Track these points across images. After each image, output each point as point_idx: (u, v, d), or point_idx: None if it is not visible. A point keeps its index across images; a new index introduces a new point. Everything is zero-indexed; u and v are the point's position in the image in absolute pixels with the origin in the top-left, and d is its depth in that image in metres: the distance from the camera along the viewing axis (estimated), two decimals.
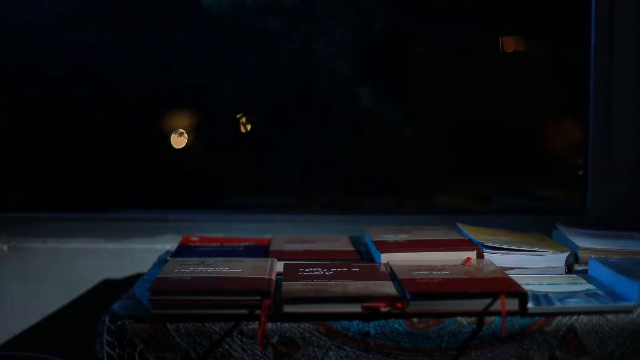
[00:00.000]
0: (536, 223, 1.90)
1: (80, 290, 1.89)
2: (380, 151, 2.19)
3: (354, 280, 1.43)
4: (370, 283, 1.41)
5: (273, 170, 2.18)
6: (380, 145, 2.18)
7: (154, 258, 1.77)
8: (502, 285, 1.39)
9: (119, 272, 1.89)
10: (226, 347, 1.35)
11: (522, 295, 1.36)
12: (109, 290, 1.87)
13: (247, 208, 2.10)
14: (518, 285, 1.39)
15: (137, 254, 1.86)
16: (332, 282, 1.41)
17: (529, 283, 1.49)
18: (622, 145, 1.98)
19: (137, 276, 1.76)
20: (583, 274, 1.58)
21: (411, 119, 2.17)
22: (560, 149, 2.15)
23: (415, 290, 1.36)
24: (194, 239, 1.79)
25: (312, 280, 1.43)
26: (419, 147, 2.19)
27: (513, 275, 1.54)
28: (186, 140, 2.10)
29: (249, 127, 2.11)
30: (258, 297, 1.34)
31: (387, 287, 1.39)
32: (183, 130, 2.09)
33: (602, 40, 1.97)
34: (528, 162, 2.14)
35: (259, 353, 1.35)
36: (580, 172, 2.05)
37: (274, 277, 1.45)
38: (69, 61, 2.07)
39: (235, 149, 2.15)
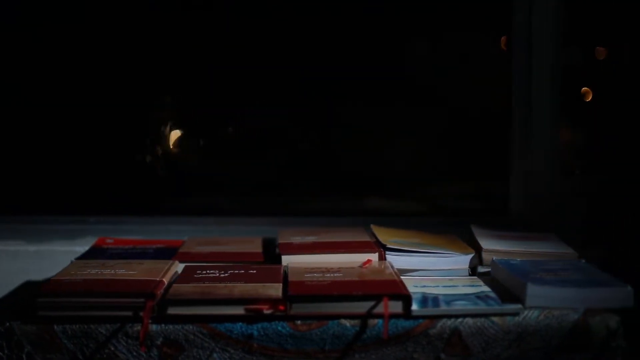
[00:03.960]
0: (461, 224, 1.90)
1: (2, 292, 1.90)
2: (319, 153, 2.20)
3: (244, 283, 1.43)
4: (258, 285, 1.41)
5: (208, 173, 2.20)
6: (320, 146, 2.20)
7: None
8: (387, 288, 1.38)
9: (40, 273, 1.88)
10: (112, 348, 1.36)
11: (405, 298, 1.36)
12: (30, 292, 1.88)
13: (173, 210, 2.10)
14: (403, 288, 1.39)
15: (59, 256, 1.84)
16: (222, 285, 1.42)
17: (425, 285, 1.49)
18: (542, 148, 1.97)
19: None
20: (487, 275, 1.59)
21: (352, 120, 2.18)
22: (487, 151, 2.15)
23: (297, 293, 1.36)
24: (109, 241, 1.80)
25: (204, 282, 1.43)
26: (362, 148, 2.20)
27: (414, 277, 1.56)
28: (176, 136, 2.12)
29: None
30: (142, 299, 1.35)
31: (274, 290, 1.39)
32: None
33: (520, 43, 1.99)
34: (458, 164, 2.15)
35: (144, 354, 1.36)
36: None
37: (165, 279, 1.45)
38: None
39: (169, 151, 2.16)
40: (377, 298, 1.35)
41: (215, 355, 1.35)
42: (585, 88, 2.05)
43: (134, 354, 1.36)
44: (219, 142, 2.18)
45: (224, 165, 2.19)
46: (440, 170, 2.15)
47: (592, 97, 2.05)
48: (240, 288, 1.39)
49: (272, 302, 1.35)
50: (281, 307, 1.34)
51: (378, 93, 2.14)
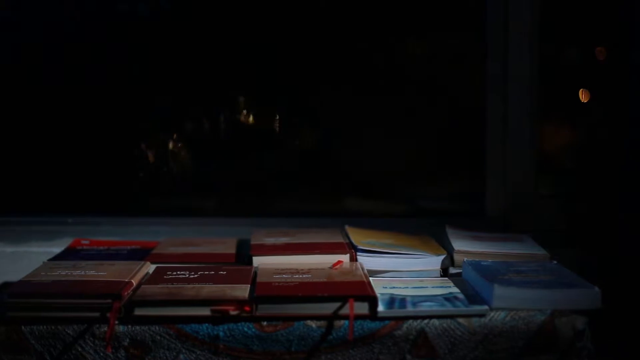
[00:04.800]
0: (440, 225, 1.90)
1: None
2: (302, 154, 2.20)
3: (212, 284, 1.43)
4: (226, 286, 1.41)
5: (191, 173, 2.20)
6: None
7: None
8: (353, 289, 1.39)
9: (17, 274, 1.87)
10: (79, 349, 1.36)
11: (371, 299, 1.36)
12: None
13: (154, 211, 2.10)
14: (369, 289, 1.39)
15: (36, 257, 1.83)
16: (190, 286, 1.42)
17: (394, 286, 1.49)
18: (518, 149, 1.98)
19: None
20: (458, 276, 1.59)
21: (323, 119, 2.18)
22: (468, 151, 2.15)
23: (263, 294, 1.37)
24: (84, 242, 1.80)
25: (172, 284, 1.44)
26: (345, 149, 2.20)
27: (385, 278, 1.56)
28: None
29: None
30: (109, 300, 1.36)
31: (240, 291, 1.39)
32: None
33: (496, 46, 1.99)
34: (439, 164, 2.15)
35: (111, 355, 1.36)
36: None
37: (134, 281, 1.46)
38: None
39: (146, 152, 2.16)
40: (343, 299, 1.35)
41: (181, 356, 1.35)
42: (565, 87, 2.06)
43: (101, 354, 1.36)
44: (203, 143, 2.18)
45: (207, 166, 2.19)
46: (421, 170, 2.14)
47: (574, 96, 2.06)
48: (208, 289, 1.40)
49: (238, 303, 1.35)
50: (247, 308, 1.35)
51: (356, 93, 2.14)
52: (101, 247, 1.76)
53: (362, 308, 1.35)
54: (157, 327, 1.35)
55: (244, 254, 1.68)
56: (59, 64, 2.10)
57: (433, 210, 2.10)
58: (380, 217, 2.10)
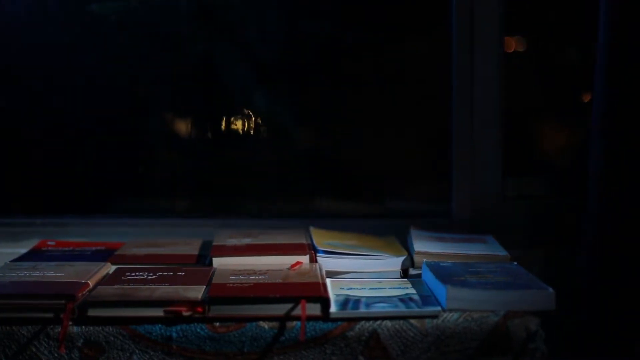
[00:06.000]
0: (407, 226, 1.90)
1: None
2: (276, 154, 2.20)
3: (168, 285, 1.44)
4: (180, 287, 1.42)
5: (165, 173, 2.20)
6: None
7: None
8: (306, 290, 1.39)
9: None
10: (34, 349, 1.37)
11: (323, 300, 1.36)
12: None
13: (120, 212, 2.10)
14: (322, 290, 1.39)
15: (4, 258, 1.84)
16: (145, 287, 1.43)
17: (351, 287, 1.49)
18: (485, 151, 1.98)
19: None
20: (418, 278, 1.59)
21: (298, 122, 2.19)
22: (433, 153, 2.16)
23: (216, 295, 1.37)
24: (50, 243, 1.81)
25: (129, 285, 1.44)
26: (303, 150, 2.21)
27: (344, 279, 1.57)
28: None
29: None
30: (63, 301, 1.36)
31: (194, 292, 1.40)
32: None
33: (462, 47, 1.98)
34: (411, 164, 2.15)
35: (65, 356, 1.37)
36: None
37: (91, 282, 1.46)
38: None
39: (117, 153, 2.16)
40: (295, 300, 1.35)
41: (135, 357, 1.36)
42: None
43: (56, 355, 1.36)
44: (173, 143, 2.18)
45: (181, 166, 2.20)
46: (391, 171, 2.14)
47: (541, 98, 2.07)
48: (162, 290, 1.40)
49: (190, 304, 1.36)
50: (199, 309, 1.35)
51: (324, 96, 2.14)
52: (66, 248, 1.76)
53: (314, 309, 1.36)
54: (110, 328, 1.36)
55: (206, 255, 1.69)
56: (25, 64, 2.11)
57: (402, 211, 2.10)
58: (349, 218, 2.10)
